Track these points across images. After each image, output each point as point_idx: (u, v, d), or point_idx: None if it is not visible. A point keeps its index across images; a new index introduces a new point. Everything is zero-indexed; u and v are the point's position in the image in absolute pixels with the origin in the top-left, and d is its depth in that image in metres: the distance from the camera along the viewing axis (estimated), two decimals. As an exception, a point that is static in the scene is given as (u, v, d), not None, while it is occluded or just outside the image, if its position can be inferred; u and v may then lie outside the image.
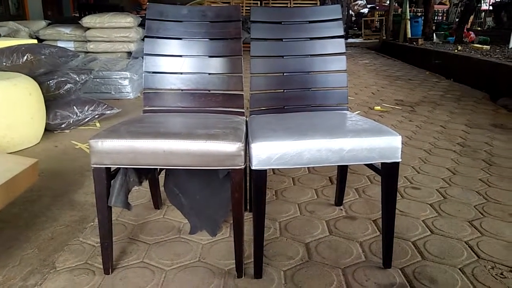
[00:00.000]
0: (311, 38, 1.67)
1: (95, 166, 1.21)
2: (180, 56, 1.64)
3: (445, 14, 12.93)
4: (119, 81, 4.07)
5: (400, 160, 1.24)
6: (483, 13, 12.75)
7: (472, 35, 8.18)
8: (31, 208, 1.75)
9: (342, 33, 1.68)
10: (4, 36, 4.48)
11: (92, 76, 3.35)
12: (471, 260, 1.39)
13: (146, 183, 1.63)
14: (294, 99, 1.67)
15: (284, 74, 1.66)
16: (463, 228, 1.61)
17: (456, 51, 6.53)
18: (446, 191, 1.95)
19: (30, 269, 1.33)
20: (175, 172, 1.62)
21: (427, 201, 1.85)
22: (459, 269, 1.35)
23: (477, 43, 7.42)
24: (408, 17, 9.25)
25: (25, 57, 2.75)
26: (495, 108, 3.79)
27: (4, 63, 2.74)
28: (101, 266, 1.32)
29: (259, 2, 10.69)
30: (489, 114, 3.54)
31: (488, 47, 6.79)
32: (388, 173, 1.28)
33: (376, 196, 1.91)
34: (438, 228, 1.61)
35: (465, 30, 8.28)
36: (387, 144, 1.22)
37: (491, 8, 12.46)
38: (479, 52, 6.16)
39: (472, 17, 10.49)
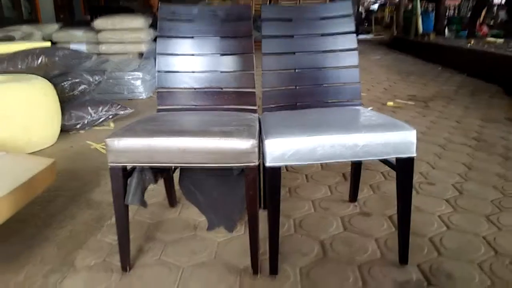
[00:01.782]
0: (322, 34, 1.67)
1: (111, 165, 1.22)
2: (192, 54, 1.65)
3: (456, 9, 12.75)
4: (132, 81, 4.12)
5: (415, 155, 1.23)
6: (496, 6, 12.51)
7: (485, 29, 8.06)
8: (49, 208, 1.78)
9: (353, 28, 1.67)
10: (18, 40, 4.55)
11: (105, 77, 3.39)
12: (489, 256, 1.38)
13: (160, 182, 1.65)
14: (307, 96, 1.67)
15: (296, 70, 1.66)
16: (480, 223, 1.59)
17: (469, 45, 6.44)
18: (462, 186, 1.93)
19: (50, 267, 1.36)
20: (190, 169, 1.64)
21: (443, 196, 1.83)
22: (477, 264, 1.33)
23: (490, 37, 7.30)
24: (419, 13, 9.14)
25: (40, 60, 2.80)
26: (510, 102, 3.73)
27: (20, 66, 2.78)
28: (119, 264, 1.34)
29: (268, 0, 10.67)
30: (504, 108, 3.49)
31: (502, 40, 6.68)
32: (403, 168, 1.27)
33: (391, 192, 1.89)
34: (454, 224, 1.59)
35: (477, 24, 8.15)
36: (402, 139, 1.21)
37: (504, 1, 12.24)
38: (492, 46, 6.06)
39: (484, 11, 10.31)
